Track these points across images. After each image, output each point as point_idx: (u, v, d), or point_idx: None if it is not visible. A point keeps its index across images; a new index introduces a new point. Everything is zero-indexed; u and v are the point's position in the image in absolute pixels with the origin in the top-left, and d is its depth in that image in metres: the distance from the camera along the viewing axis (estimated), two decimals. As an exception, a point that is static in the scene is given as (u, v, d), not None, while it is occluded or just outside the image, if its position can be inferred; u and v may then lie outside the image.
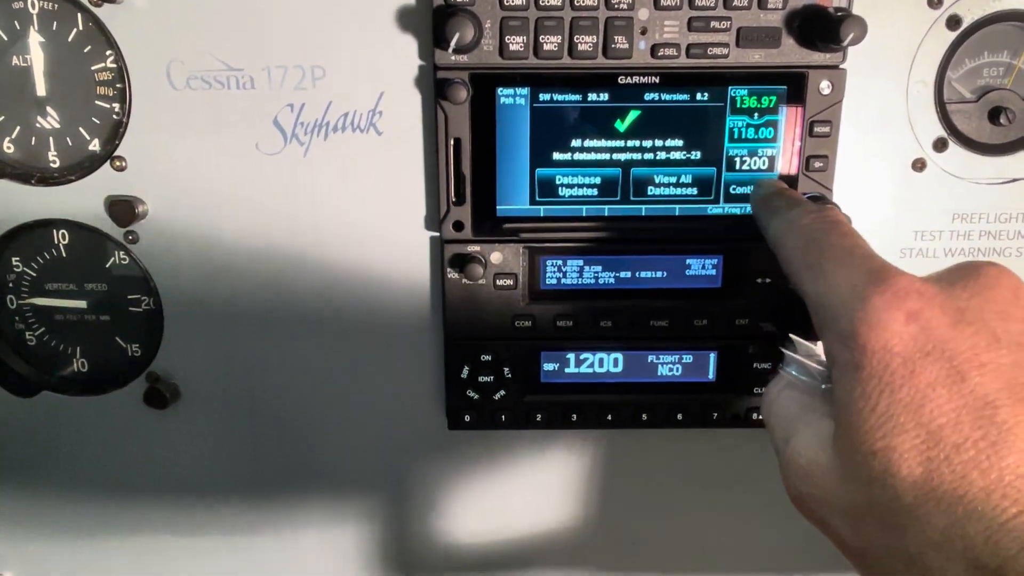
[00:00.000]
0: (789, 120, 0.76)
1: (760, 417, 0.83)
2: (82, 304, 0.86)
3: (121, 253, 0.84)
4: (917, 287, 0.49)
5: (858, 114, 0.78)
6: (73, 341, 0.88)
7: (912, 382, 0.46)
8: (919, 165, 0.80)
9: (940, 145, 0.80)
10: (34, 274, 0.85)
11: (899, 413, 0.46)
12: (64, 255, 0.84)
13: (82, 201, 0.80)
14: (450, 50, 0.72)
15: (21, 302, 0.86)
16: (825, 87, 0.75)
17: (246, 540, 0.93)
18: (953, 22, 0.77)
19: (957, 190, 0.81)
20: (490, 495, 0.91)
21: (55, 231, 0.84)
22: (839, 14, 0.71)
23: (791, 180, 0.77)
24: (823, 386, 0.57)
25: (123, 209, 0.78)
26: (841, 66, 0.75)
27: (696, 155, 0.77)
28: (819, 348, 0.60)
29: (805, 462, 0.52)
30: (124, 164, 0.79)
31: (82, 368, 0.88)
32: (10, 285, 0.86)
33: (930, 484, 0.44)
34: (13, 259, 0.85)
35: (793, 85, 0.75)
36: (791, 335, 0.62)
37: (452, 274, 0.80)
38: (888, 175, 0.80)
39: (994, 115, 0.79)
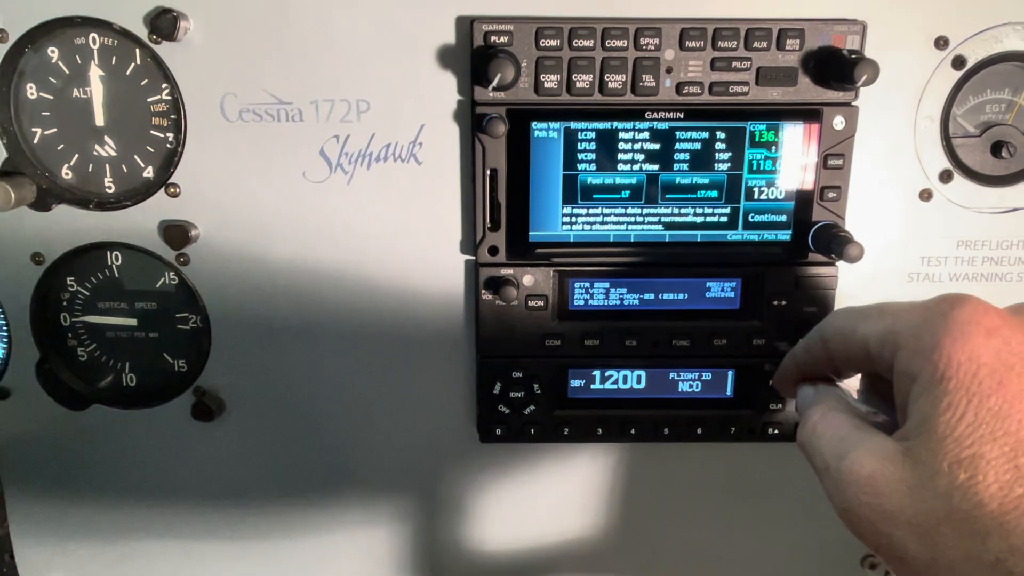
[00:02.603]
0: (804, 154, 0.81)
1: (774, 432, 0.89)
2: (132, 322, 0.90)
3: (171, 274, 0.89)
4: (990, 306, 0.51)
5: (869, 147, 0.83)
6: (123, 357, 0.92)
7: (1000, 392, 0.48)
8: (926, 195, 0.85)
9: (946, 176, 0.85)
10: (87, 293, 0.90)
11: (988, 421, 0.47)
12: (117, 275, 0.89)
13: (137, 225, 0.85)
14: (490, 89, 0.77)
15: (74, 319, 0.91)
16: (839, 123, 0.80)
17: (283, 545, 0.97)
18: (958, 62, 0.82)
19: (961, 219, 0.86)
20: (517, 505, 0.95)
21: (109, 252, 0.88)
22: (853, 56, 0.76)
23: (806, 210, 0.82)
24: (875, 411, 0.60)
25: (177, 233, 0.83)
26: (854, 103, 0.80)
27: (717, 185, 0.82)
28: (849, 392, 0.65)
29: (868, 472, 0.52)
30: (178, 191, 0.84)
31: (131, 383, 0.93)
32: (64, 303, 0.90)
33: (1017, 491, 0.46)
34: (68, 279, 0.89)
35: (809, 121, 0.80)
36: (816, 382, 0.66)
37: (486, 295, 0.85)
38: (897, 204, 0.85)
39: (996, 149, 0.84)
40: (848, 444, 0.55)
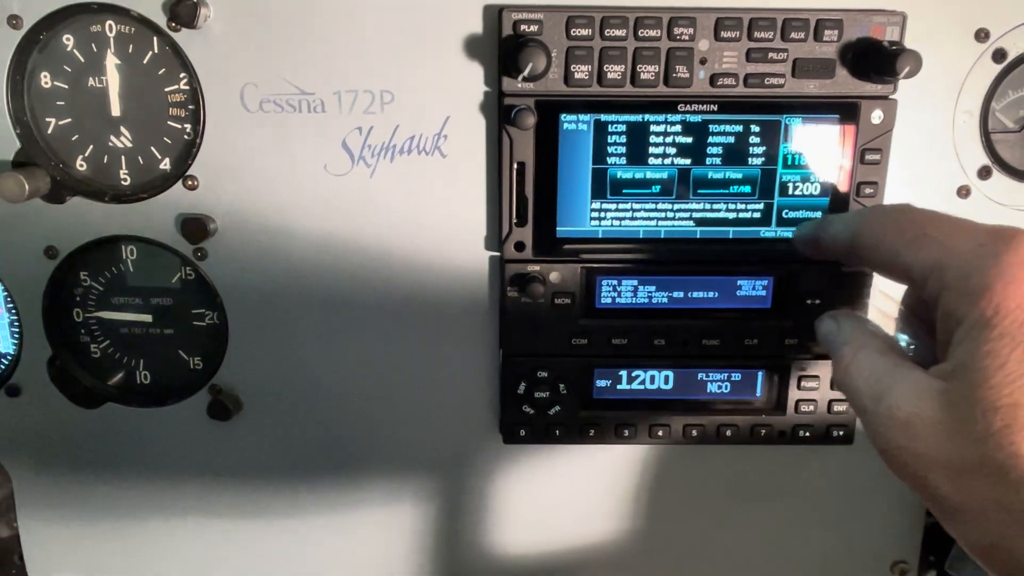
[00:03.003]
0: (841, 148, 0.79)
1: (805, 435, 0.86)
2: (147, 318, 0.88)
3: (188, 269, 0.86)
4: None
5: (906, 142, 0.81)
6: (137, 354, 0.90)
7: None
8: (964, 192, 0.83)
9: (984, 173, 0.83)
10: (101, 288, 0.87)
11: None
12: (131, 270, 0.87)
13: (154, 218, 0.82)
14: (520, 79, 0.74)
15: (87, 315, 0.88)
16: (876, 116, 0.78)
17: (301, 544, 0.95)
18: (999, 55, 0.80)
19: (1000, 216, 0.84)
20: (540, 506, 0.93)
21: (124, 247, 0.86)
22: (894, 48, 0.74)
23: (843, 206, 0.80)
24: (913, 344, 0.57)
25: (195, 227, 0.81)
26: (892, 96, 0.78)
27: (751, 180, 0.80)
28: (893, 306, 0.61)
29: (905, 416, 0.51)
30: (196, 183, 0.81)
31: (145, 380, 0.91)
32: (77, 299, 0.88)
33: None
34: (81, 273, 0.87)
35: (846, 114, 0.78)
36: (840, 311, 0.63)
37: (512, 292, 0.82)
38: (934, 201, 0.83)
39: (1036, 145, 0.82)
40: (884, 384, 0.54)
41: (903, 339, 0.59)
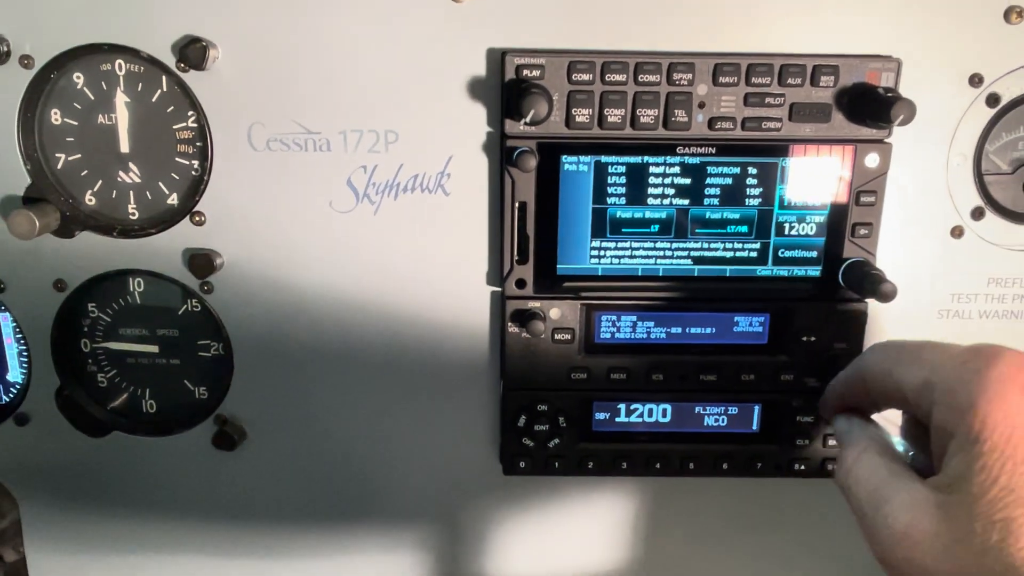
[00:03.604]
0: (837, 191, 0.80)
1: (800, 468, 0.88)
2: (154, 349, 0.90)
3: (194, 301, 0.88)
4: None
5: (901, 183, 0.82)
6: (143, 383, 0.91)
7: None
8: (957, 232, 0.84)
9: (977, 214, 0.84)
10: (108, 319, 0.89)
11: (1022, 485, 0.48)
12: (139, 302, 0.88)
13: (161, 253, 0.84)
14: (522, 123, 0.76)
15: (95, 346, 0.90)
16: (872, 160, 0.80)
17: (304, 571, 0.96)
18: (992, 100, 0.81)
19: (993, 256, 0.85)
20: (539, 537, 0.95)
21: (131, 279, 0.88)
22: (889, 95, 0.75)
23: (838, 246, 0.82)
24: (911, 451, 0.60)
25: (202, 261, 0.82)
26: (887, 140, 0.80)
27: (748, 220, 0.82)
28: (883, 424, 0.65)
29: (903, 526, 0.53)
30: (203, 219, 0.83)
31: (150, 409, 0.92)
32: (85, 329, 0.89)
33: None
34: (89, 305, 0.88)
35: (841, 158, 0.80)
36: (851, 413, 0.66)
37: (513, 328, 0.84)
38: (928, 241, 0.85)
39: (1029, 186, 0.84)
40: (884, 494, 0.55)
41: (904, 445, 0.61)
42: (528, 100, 0.73)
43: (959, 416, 0.51)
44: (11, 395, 0.93)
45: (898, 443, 0.62)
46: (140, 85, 0.81)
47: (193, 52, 0.76)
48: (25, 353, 0.89)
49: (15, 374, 0.92)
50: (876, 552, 0.56)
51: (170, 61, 0.79)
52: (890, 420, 0.66)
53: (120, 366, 0.91)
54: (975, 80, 0.80)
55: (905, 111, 0.74)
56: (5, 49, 0.78)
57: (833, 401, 0.71)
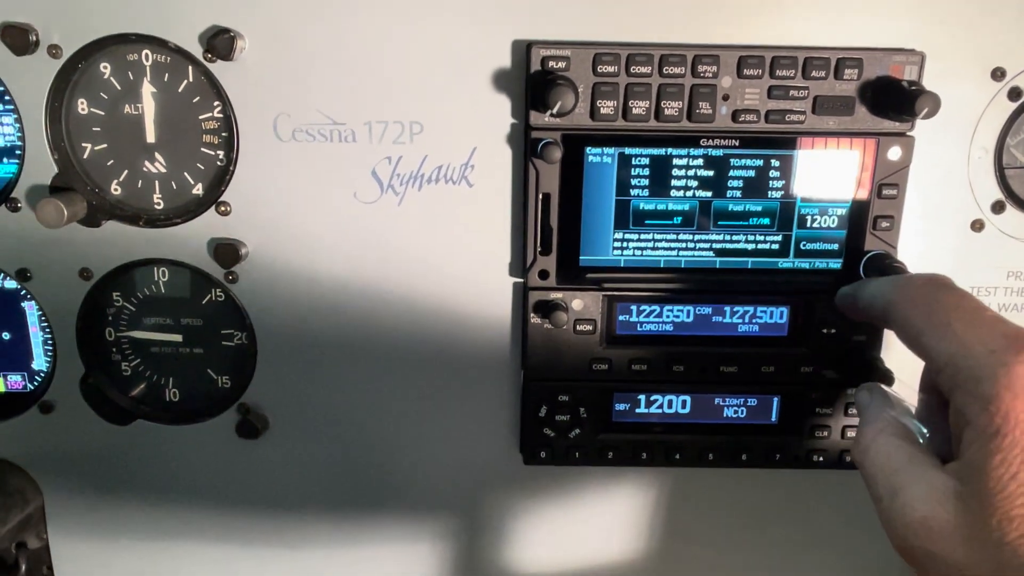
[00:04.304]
0: (859, 183, 0.81)
1: (819, 459, 0.88)
2: (177, 338, 0.90)
3: (218, 291, 0.88)
4: None
5: (922, 177, 0.83)
6: (166, 372, 0.92)
7: None
8: (978, 226, 0.85)
9: (998, 208, 0.84)
10: (133, 308, 0.90)
11: None
12: (163, 291, 0.89)
13: (186, 242, 0.84)
14: (547, 115, 0.76)
15: (119, 335, 0.90)
16: (894, 153, 0.80)
17: (324, 563, 0.97)
18: (1015, 93, 0.81)
19: (1012, 250, 0.86)
20: (559, 527, 0.95)
21: (156, 269, 0.88)
22: (913, 88, 0.76)
23: (859, 239, 0.82)
24: (926, 432, 0.60)
25: (227, 252, 0.83)
26: (909, 133, 0.80)
27: (770, 213, 0.82)
28: (904, 397, 0.65)
29: (920, 516, 0.53)
30: (228, 209, 0.83)
31: (174, 398, 0.93)
32: (109, 319, 0.90)
33: None
34: (114, 294, 0.89)
35: (864, 151, 0.80)
36: (875, 384, 0.66)
37: (535, 319, 0.84)
38: (948, 234, 0.85)
39: (1050, 180, 0.84)
40: (901, 479, 0.55)
41: (918, 426, 0.61)
42: (555, 92, 0.73)
43: (981, 406, 0.51)
44: (36, 383, 0.94)
45: (915, 426, 0.62)
46: (166, 75, 0.82)
47: (221, 43, 0.77)
48: (50, 342, 0.90)
49: (40, 362, 0.93)
50: (892, 537, 0.56)
51: (197, 52, 0.79)
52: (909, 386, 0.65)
53: (144, 355, 0.91)
54: (997, 74, 0.81)
55: (930, 104, 0.74)
56: (34, 39, 0.78)
57: (851, 307, 0.71)
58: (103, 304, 0.89)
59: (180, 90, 0.82)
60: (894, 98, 0.77)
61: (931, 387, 0.62)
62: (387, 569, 0.97)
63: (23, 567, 0.97)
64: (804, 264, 0.84)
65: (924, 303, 0.60)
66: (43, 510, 0.95)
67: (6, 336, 0.92)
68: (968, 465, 0.52)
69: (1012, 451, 0.49)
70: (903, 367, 0.83)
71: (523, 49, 0.78)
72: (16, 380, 0.94)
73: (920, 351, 0.59)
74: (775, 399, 0.89)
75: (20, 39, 0.78)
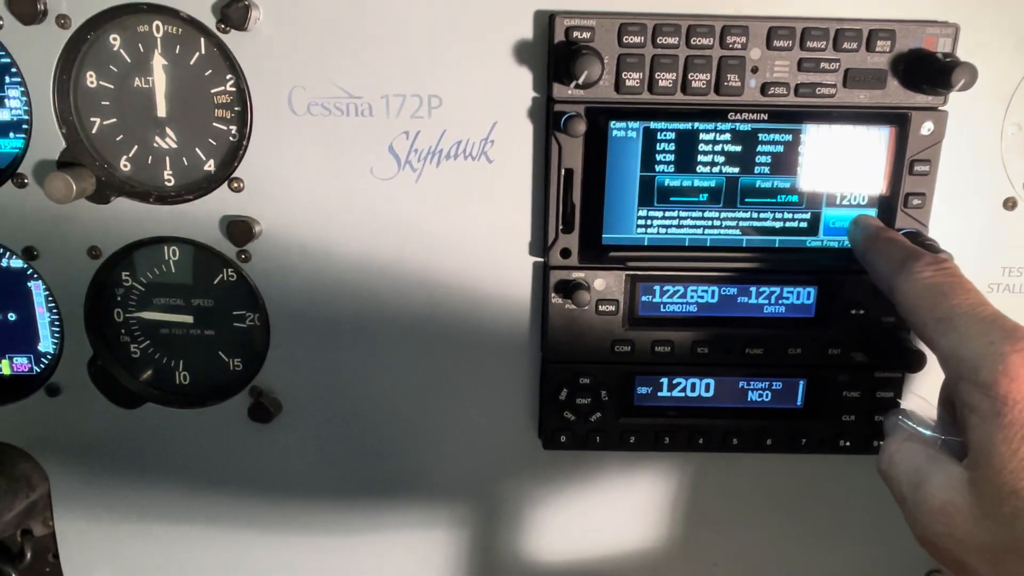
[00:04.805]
0: (891, 159, 0.79)
1: (846, 444, 0.87)
2: (188, 319, 0.88)
3: (230, 271, 0.86)
4: None
5: (954, 153, 0.80)
6: (177, 354, 0.90)
7: None
8: (1010, 204, 0.83)
9: (1031, 185, 0.82)
10: (142, 289, 0.87)
11: None
12: (173, 271, 0.87)
13: (198, 220, 0.82)
14: (571, 87, 0.74)
15: (128, 315, 0.88)
16: (927, 128, 0.78)
17: (338, 547, 0.95)
18: (1050, 67, 0.79)
19: (1046, 229, 0.84)
20: (577, 512, 0.93)
21: (166, 247, 0.86)
22: (948, 60, 0.74)
23: (890, 217, 0.80)
24: (942, 438, 0.62)
25: (241, 229, 0.81)
26: (942, 108, 0.78)
27: (799, 190, 0.80)
28: (928, 407, 0.65)
29: (940, 503, 0.56)
30: (241, 185, 0.81)
31: (184, 381, 0.91)
32: (118, 299, 0.88)
33: None
34: (123, 274, 0.87)
35: (897, 125, 0.78)
36: (899, 409, 0.66)
37: (556, 299, 0.82)
38: (980, 212, 0.83)
39: (1084, 158, 0.82)
40: (921, 474, 0.59)
41: (938, 436, 0.64)
42: (581, 61, 0.71)
43: (982, 392, 0.55)
44: (42, 365, 0.91)
45: (932, 436, 0.64)
46: (178, 47, 0.80)
47: (235, 12, 0.75)
48: (57, 323, 0.88)
49: (47, 344, 0.91)
50: (916, 532, 0.60)
51: (210, 22, 0.77)
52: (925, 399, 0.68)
53: (153, 337, 0.89)
54: (1032, 47, 0.79)
55: (967, 76, 0.72)
56: (42, 8, 0.76)
57: (866, 257, 0.73)
58: (112, 284, 0.87)
59: (192, 63, 0.80)
60: (928, 71, 0.75)
61: (947, 400, 0.65)
62: (402, 554, 0.95)
63: (28, 555, 0.95)
64: (833, 243, 0.82)
65: (930, 297, 0.63)
66: (49, 496, 0.93)
67: (12, 317, 0.90)
68: (975, 450, 0.55)
69: (1011, 429, 0.53)
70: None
71: (545, 20, 0.76)
72: (22, 362, 0.91)
73: (924, 341, 0.63)
74: (801, 382, 0.87)
75: (28, 8, 0.75)
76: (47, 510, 0.94)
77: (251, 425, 0.88)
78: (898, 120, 0.78)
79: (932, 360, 0.78)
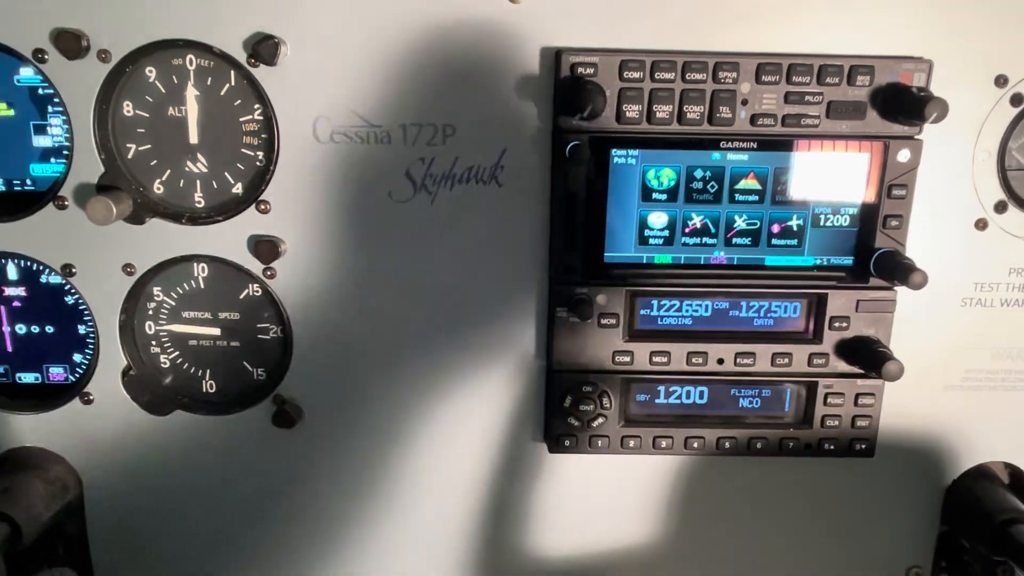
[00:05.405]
0: (870, 184, 0.85)
1: (830, 447, 0.93)
2: (215, 331, 0.94)
3: (255, 286, 0.92)
4: None
5: (929, 178, 0.87)
6: (204, 365, 0.95)
7: None
8: (981, 224, 0.89)
9: (1000, 207, 0.89)
10: (173, 303, 0.93)
11: None
12: (202, 287, 0.92)
13: (227, 239, 0.88)
14: (576, 118, 0.80)
15: (159, 328, 0.94)
16: (903, 155, 0.84)
17: (355, 542, 1.00)
18: (1016, 99, 0.86)
19: (1014, 247, 0.90)
20: (580, 510, 0.99)
21: (195, 264, 0.92)
22: (922, 94, 0.80)
23: (870, 237, 0.86)
24: None
25: (267, 248, 0.87)
26: (918, 137, 0.84)
27: (786, 212, 0.86)
28: None
29: None
30: (268, 207, 0.87)
31: (210, 389, 0.96)
32: (149, 312, 0.93)
33: None
34: (155, 289, 0.92)
35: (875, 153, 0.84)
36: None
37: (561, 313, 0.88)
38: (953, 232, 0.90)
39: (1049, 182, 0.89)
40: None
41: None
42: (587, 95, 0.78)
43: None
44: (77, 375, 0.97)
45: None
46: (209, 79, 0.86)
47: (266, 48, 0.81)
48: (92, 335, 0.94)
49: (81, 355, 0.96)
50: None
51: (241, 56, 0.83)
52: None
53: (182, 348, 0.95)
54: (1000, 81, 0.85)
55: (939, 109, 0.79)
56: (85, 44, 0.82)
57: None
58: (144, 298, 0.93)
59: (222, 93, 0.86)
60: (904, 103, 0.81)
61: None
62: (418, 551, 1.00)
63: (61, 553, 1.00)
64: (818, 261, 0.88)
65: None
66: (81, 498, 0.98)
67: (49, 330, 0.95)
68: None
69: None
70: (912, 359, 0.89)
71: (551, 56, 0.82)
72: (58, 372, 0.97)
73: None
74: (788, 390, 0.93)
75: (72, 44, 0.81)
76: (79, 511, 0.99)
77: (274, 431, 0.93)
78: (877, 148, 0.84)
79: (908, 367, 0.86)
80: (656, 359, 0.90)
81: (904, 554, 1.01)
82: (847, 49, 0.83)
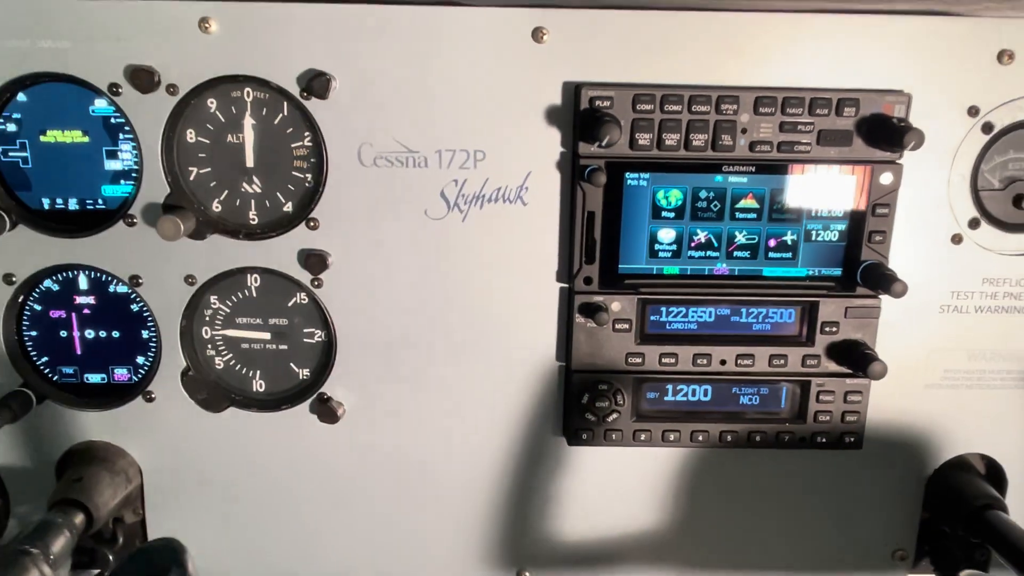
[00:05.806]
0: (856, 203, 0.95)
1: (822, 440, 1.02)
2: (266, 336, 1.04)
3: (303, 295, 1.02)
4: None
5: (909, 197, 0.97)
6: (254, 366, 1.05)
7: None
8: (957, 239, 0.99)
9: (974, 224, 0.99)
10: (228, 310, 1.03)
11: None
12: (255, 295, 1.02)
13: (279, 253, 0.98)
14: (594, 145, 0.91)
15: (214, 333, 1.04)
16: (886, 178, 0.94)
17: (387, 528, 1.09)
18: (987, 127, 0.96)
19: (987, 260, 1.00)
20: (596, 499, 1.08)
21: (249, 275, 1.01)
22: (901, 124, 0.90)
23: (856, 251, 0.96)
24: None
25: (316, 261, 0.97)
26: (899, 161, 0.94)
27: (781, 228, 0.96)
28: None
29: None
30: (317, 224, 0.97)
31: (260, 388, 1.06)
32: (206, 319, 1.03)
33: None
34: (212, 297, 1.02)
35: (860, 176, 0.94)
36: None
37: (579, 319, 0.98)
38: (932, 246, 0.99)
39: (1017, 201, 0.99)
40: None
41: None
42: (605, 127, 0.88)
43: None
44: (140, 375, 1.06)
45: None
46: (264, 110, 0.95)
47: (318, 84, 0.91)
48: (154, 339, 1.03)
49: (144, 357, 1.06)
50: None
51: (294, 90, 0.93)
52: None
53: (236, 351, 1.05)
54: (972, 111, 0.95)
55: (916, 139, 0.89)
56: (156, 79, 0.92)
57: None
58: (203, 306, 1.02)
59: (276, 122, 0.96)
60: (886, 132, 0.91)
61: None
62: (446, 537, 1.09)
63: (120, 539, 1.09)
64: (810, 272, 0.98)
65: None
66: (141, 488, 1.07)
67: (116, 334, 1.05)
68: None
69: None
70: (895, 360, 0.98)
71: (572, 90, 0.92)
72: (122, 373, 1.07)
73: None
74: (784, 388, 1.03)
75: (145, 80, 0.91)
76: (138, 500, 1.08)
77: (318, 425, 1.03)
78: (862, 171, 0.94)
79: (892, 368, 0.95)
80: (665, 360, 1.00)
81: (889, 538, 1.11)
82: (835, 83, 0.93)
